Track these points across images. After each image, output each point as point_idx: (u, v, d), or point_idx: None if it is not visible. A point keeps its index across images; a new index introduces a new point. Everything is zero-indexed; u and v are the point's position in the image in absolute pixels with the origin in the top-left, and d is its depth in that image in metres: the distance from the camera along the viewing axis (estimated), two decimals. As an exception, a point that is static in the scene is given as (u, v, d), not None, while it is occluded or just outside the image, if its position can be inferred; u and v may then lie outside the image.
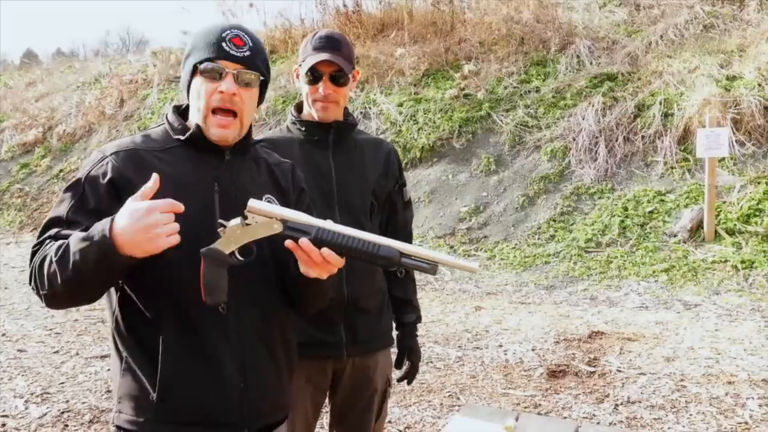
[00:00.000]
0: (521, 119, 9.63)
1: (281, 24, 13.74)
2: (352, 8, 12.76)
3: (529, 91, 10.11)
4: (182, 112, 1.72)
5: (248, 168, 1.71)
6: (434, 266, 1.47)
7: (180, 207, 1.40)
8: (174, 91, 13.31)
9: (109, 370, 4.55)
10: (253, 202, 1.50)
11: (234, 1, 15.39)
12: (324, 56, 2.10)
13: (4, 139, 14.30)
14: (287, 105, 11.25)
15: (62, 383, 4.65)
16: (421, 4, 12.54)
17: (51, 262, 1.41)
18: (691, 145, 8.25)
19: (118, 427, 1.59)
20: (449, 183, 9.30)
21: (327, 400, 2.31)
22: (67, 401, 4.33)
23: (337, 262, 1.49)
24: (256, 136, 1.96)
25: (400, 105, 10.55)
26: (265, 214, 1.49)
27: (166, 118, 1.70)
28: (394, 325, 2.42)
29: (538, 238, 8.09)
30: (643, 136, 8.79)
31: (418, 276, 2.53)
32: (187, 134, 1.63)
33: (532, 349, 5.12)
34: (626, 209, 8.01)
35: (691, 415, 3.94)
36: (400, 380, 2.44)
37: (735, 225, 7.36)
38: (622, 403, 4.12)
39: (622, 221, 7.84)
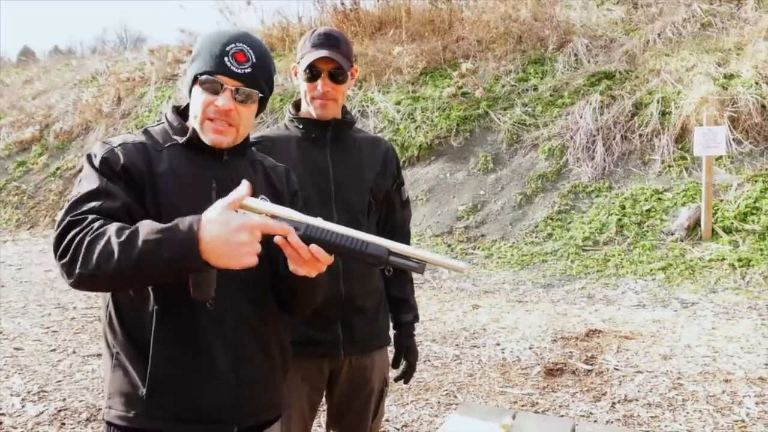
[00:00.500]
0: (519, 117, 9.63)
1: (279, 22, 13.76)
2: (349, 6, 12.76)
3: (527, 90, 10.11)
4: (182, 111, 1.73)
5: (245, 169, 1.72)
6: (422, 265, 1.47)
7: (289, 231, 1.40)
8: (171, 89, 13.29)
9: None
10: (244, 198, 1.50)
11: (231, 0, 15.34)
12: (323, 53, 2.10)
13: (0, 136, 14.28)
14: (285, 103, 11.24)
15: (59, 381, 4.64)
16: (419, 2, 12.55)
17: (109, 242, 1.33)
18: (689, 144, 8.26)
19: (109, 423, 1.58)
20: (447, 181, 9.30)
21: (324, 400, 2.30)
22: (64, 399, 4.32)
23: (326, 259, 1.49)
24: (254, 133, 1.96)
25: (398, 103, 10.55)
26: (255, 209, 1.49)
27: (166, 117, 1.70)
28: (391, 324, 2.42)
29: (536, 237, 8.09)
30: (640, 135, 8.80)
31: (416, 274, 2.53)
32: (185, 138, 1.63)
33: (530, 348, 5.12)
34: (624, 207, 8.02)
35: (687, 413, 3.95)
36: (397, 380, 2.43)
37: (732, 223, 7.37)
38: (619, 401, 4.12)
39: (620, 219, 7.85)
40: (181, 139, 1.64)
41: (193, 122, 1.63)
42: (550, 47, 10.64)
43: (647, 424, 3.83)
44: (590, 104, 9.24)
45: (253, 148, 1.84)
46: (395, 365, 2.42)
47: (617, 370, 4.63)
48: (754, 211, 7.41)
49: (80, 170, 1.62)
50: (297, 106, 2.28)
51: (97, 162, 1.54)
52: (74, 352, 5.27)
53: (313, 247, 1.46)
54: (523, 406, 4.12)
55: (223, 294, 1.52)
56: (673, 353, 4.91)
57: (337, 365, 2.21)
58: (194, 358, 1.56)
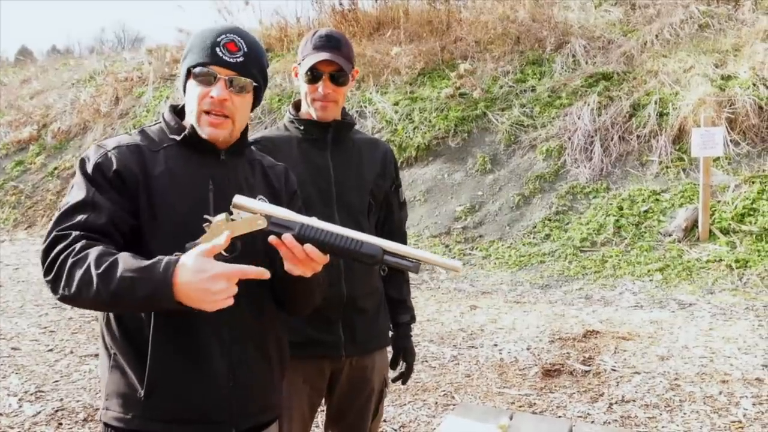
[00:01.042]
0: (517, 118, 9.64)
1: (277, 22, 13.74)
2: (348, 6, 12.76)
3: (525, 91, 10.12)
4: (179, 111, 1.72)
5: (243, 169, 1.72)
6: (417, 264, 1.47)
7: (265, 274, 1.42)
8: (169, 89, 13.28)
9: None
10: (238, 198, 1.50)
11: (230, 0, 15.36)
12: (324, 56, 2.09)
13: (-2, 136, 14.26)
14: (283, 103, 11.24)
15: (56, 381, 4.63)
16: (417, 3, 12.55)
17: (89, 271, 1.37)
18: (686, 145, 8.27)
19: (106, 425, 1.58)
20: (445, 182, 9.30)
21: (323, 400, 2.31)
22: (61, 399, 4.32)
23: (321, 259, 1.49)
24: (254, 134, 1.95)
25: (396, 104, 10.55)
26: (250, 209, 1.49)
27: (163, 117, 1.70)
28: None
29: (534, 238, 8.10)
30: (638, 136, 8.81)
31: (413, 275, 2.54)
32: (183, 134, 1.63)
33: (527, 348, 5.13)
34: (621, 208, 8.03)
35: (685, 413, 3.95)
36: (395, 380, 2.44)
37: (729, 224, 7.38)
38: (616, 402, 4.13)
39: (617, 220, 7.86)
40: (178, 138, 1.63)
41: (189, 118, 1.63)
42: (548, 48, 10.65)
43: (644, 425, 3.83)
44: (588, 105, 9.25)
45: (252, 147, 1.84)
46: (393, 366, 2.42)
47: (614, 370, 4.63)
48: (752, 212, 7.43)
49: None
50: (297, 106, 2.27)
51: (89, 168, 1.54)
52: (71, 352, 5.26)
53: (308, 246, 1.46)
54: (520, 406, 4.12)
55: None
56: (671, 354, 4.92)
57: (337, 366, 2.21)
58: (192, 359, 1.56)
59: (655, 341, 5.21)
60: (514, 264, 7.70)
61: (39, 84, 16.24)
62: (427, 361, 4.91)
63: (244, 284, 1.60)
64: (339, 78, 2.13)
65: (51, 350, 5.32)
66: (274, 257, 1.57)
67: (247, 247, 1.55)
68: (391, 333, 2.42)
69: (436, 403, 4.22)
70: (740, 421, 3.84)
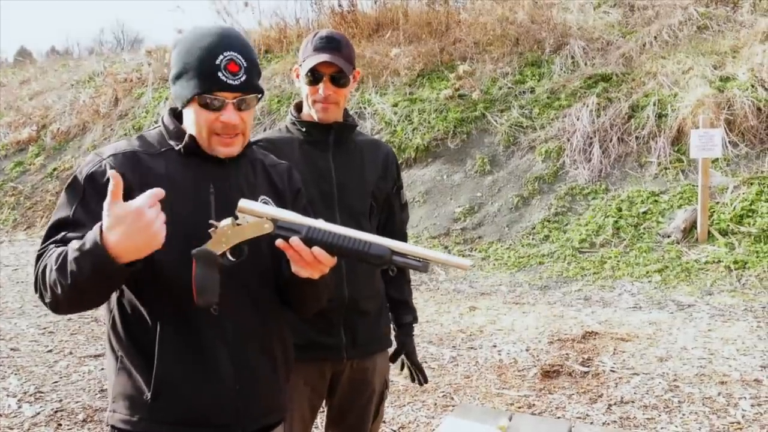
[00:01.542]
0: (516, 120, 9.65)
1: (276, 23, 13.75)
2: (347, 8, 12.77)
3: (524, 92, 10.13)
4: (178, 114, 1.70)
5: (244, 170, 1.70)
6: (426, 264, 1.46)
7: (161, 193, 1.37)
8: (168, 90, 13.24)
9: (102, 369, 4.55)
10: (243, 202, 1.49)
11: (228, 0, 15.31)
12: (325, 57, 2.09)
13: (-3, 137, 14.25)
14: (282, 105, 11.25)
15: (56, 382, 4.64)
16: (416, 4, 12.55)
17: (51, 270, 1.39)
18: (685, 146, 8.29)
19: (113, 427, 1.59)
20: (444, 183, 9.31)
21: (323, 402, 2.31)
22: (61, 400, 4.32)
23: (329, 261, 1.48)
24: (255, 136, 1.95)
25: (395, 105, 10.56)
26: (256, 213, 1.48)
27: (162, 121, 1.69)
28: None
29: (533, 239, 8.11)
30: (637, 137, 8.82)
31: (413, 276, 2.54)
32: (181, 145, 1.61)
33: (526, 350, 5.14)
34: (620, 210, 8.04)
35: (683, 415, 3.96)
36: (411, 381, 2.43)
37: (728, 225, 7.40)
38: (615, 403, 4.14)
39: (616, 222, 7.87)
40: (176, 145, 1.61)
41: (191, 131, 1.60)
42: (547, 49, 10.66)
43: (643, 426, 3.84)
44: (587, 106, 9.26)
45: (253, 146, 1.82)
46: (393, 360, 2.41)
47: (613, 372, 4.64)
48: (750, 214, 7.44)
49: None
50: (299, 108, 2.27)
51: (82, 178, 1.54)
52: (71, 353, 5.26)
53: (316, 249, 1.45)
54: (519, 407, 4.13)
55: (226, 299, 1.52)
56: (669, 355, 4.93)
57: (338, 368, 2.21)
58: (198, 362, 1.56)
59: (654, 342, 5.22)
60: (513, 265, 7.71)
61: (38, 85, 16.23)
62: (426, 362, 4.91)
63: (248, 285, 1.61)
64: (339, 79, 2.13)
65: (50, 351, 5.32)
66: (280, 258, 1.57)
67: (254, 250, 1.54)
68: (393, 333, 2.43)
69: (435, 404, 4.22)
70: (739, 422, 3.85)
